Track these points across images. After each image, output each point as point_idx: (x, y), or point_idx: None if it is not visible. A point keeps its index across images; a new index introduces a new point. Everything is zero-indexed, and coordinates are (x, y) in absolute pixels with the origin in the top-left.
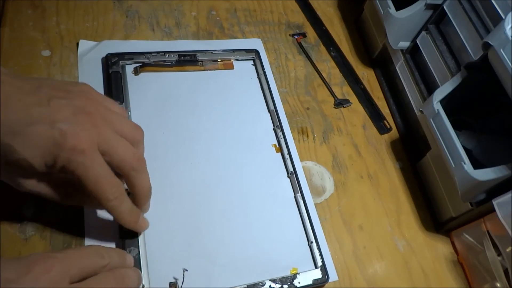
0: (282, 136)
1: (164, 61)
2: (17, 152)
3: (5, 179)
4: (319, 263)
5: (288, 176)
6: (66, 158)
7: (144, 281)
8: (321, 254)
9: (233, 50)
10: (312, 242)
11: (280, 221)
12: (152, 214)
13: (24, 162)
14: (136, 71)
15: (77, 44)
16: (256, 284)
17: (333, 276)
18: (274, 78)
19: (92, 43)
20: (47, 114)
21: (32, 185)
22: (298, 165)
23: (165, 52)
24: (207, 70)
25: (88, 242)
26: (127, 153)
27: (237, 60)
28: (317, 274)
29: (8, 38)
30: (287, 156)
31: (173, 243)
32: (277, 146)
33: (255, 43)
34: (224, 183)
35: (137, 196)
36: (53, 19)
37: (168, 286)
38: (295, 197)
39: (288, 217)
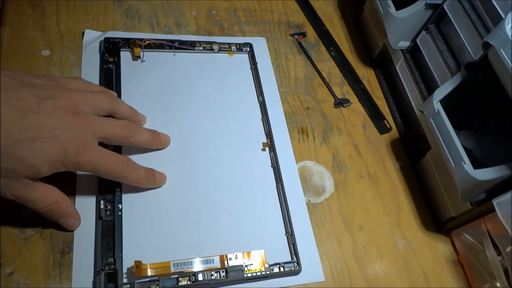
0: (268, 128)
1: (166, 41)
2: (26, 159)
3: None
4: (293, 253)
5: (271, 167)
6: (74, 162)
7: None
8: (294, 244)
9: (229, 44)
10: (288, 233)
11: (263, 211)
12: (139, 202)
13: (32, 168)
14: (140, 46)
15: (83, 33)
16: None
17: (319, 276)
18: (275, 78)
19: (97, 33)
20: (42, 123)
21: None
22: (286, 159)
23: (166, 40)
24: (206, 51)
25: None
26: (118, 129)
27: (234, 52)
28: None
29: (8, 38)
30: (271, 149)
31: (159, 230)
32: (265, 142)
33: (258, 41)
34: (214, 175)
35: (147, 146)
36: (53, 18)
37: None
38: (277, 188)
39: (271, 208)
